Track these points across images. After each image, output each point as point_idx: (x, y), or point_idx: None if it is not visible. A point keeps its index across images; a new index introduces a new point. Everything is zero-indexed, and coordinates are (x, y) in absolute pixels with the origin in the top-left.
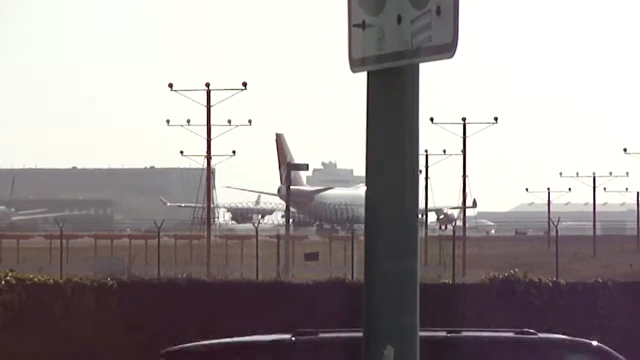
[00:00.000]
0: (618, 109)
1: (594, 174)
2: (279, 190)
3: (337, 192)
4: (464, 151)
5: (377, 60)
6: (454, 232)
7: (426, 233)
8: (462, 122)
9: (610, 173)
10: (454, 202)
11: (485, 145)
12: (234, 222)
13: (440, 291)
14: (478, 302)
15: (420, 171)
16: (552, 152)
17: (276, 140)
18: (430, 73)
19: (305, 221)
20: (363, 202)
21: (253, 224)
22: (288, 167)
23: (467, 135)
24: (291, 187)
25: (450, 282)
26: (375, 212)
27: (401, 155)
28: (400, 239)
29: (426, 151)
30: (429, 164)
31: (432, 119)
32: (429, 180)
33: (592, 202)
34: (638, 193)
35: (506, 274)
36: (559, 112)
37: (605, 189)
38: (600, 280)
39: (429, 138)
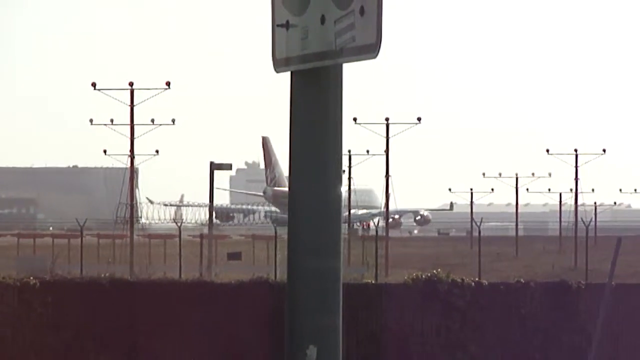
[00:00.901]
0: (541, 110)
1: (516, 174)
2: (264, 192)
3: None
4: (387, 151)
5: (300, 60)
6: (376, 232)
7: (349, 232)
8: (386, 122)
9: (533, 174)
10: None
11: (409, 146)
12: (218, 221)
13: (363, 291)
14: (401, 302)
15: (344, 171)
16: (475, 152)
17: (262, 143)
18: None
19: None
20: (346, 203)
21: (176, 223)
22: (211, 167)
23: (390, 135)
24: (277, 188)
25: (373, 282)
26: (298, 212)
27: (324, 155)
28: (323, 239)
29: (349, 151)
30: (352, 164)
31: (355, 119)
32: (352, 180)
33: (514, 202)
34: (560, 194)
35: (429, 274)
36: (482, 112)
37: (527, 189)
38: (522, 280)
39: (352, 138)
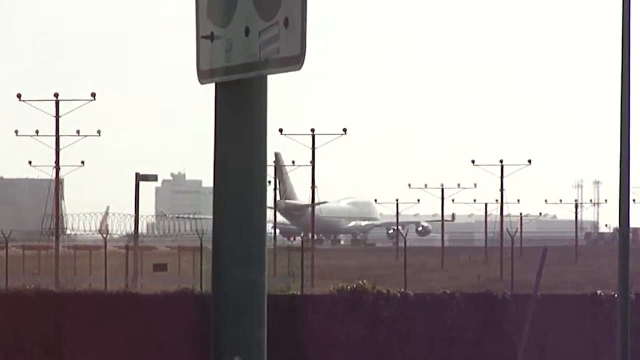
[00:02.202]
0: (466, 121)
1: (442, 185)
2: (277, 204)
3: (328, 206)
4: (312, 162)
5: (225, 72)
6: (302, 243)
7: (275, 244)
8: (311, 133)
9: (459, 185)
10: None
11: (335, 156)
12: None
13: (288, 302)
14: (326, 313)
15: (269, 182)
16: (400, 163)
17: (275, 159)
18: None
19: (294, 231)
20: (350, 214)
21: (102, 234)
22: (136, 178)
23: (316, 146)
24: (288, 201)
25: (299, 293)
26: (223, 223)
27: (249, 166)
28: (248, 250)
29: (275, 162)
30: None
31: (281, 130)
32: (277, 191)
33: (440, 213)
34: (486, 205)
35: (354, 285)
36: (407, 123)
37: (453, 200)
38: (448, 291)
39: (278, 149)
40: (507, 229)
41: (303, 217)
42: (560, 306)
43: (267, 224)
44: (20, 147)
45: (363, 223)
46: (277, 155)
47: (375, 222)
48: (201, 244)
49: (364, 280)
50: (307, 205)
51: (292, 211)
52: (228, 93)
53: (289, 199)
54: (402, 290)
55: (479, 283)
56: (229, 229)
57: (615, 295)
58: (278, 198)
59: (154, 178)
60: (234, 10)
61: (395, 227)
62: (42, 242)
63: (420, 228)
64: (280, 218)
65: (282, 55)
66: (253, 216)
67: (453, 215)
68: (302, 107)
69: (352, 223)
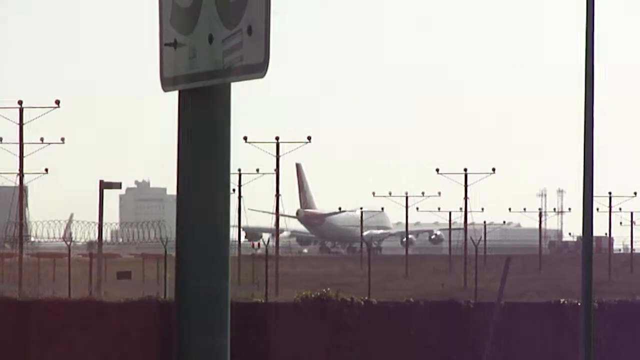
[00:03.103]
0: (430, 129)
1: (406, 193)
2: (297, 213)
3: (345, 215)
4: (277, 170)
5: (188, 79)
6: (266, 250)
7: (239, 252)
8: (276, 141)
9: (423, 193)
10: (267, 221)
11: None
12: (247, 240)
13: (252, 310)
14: (290, 321)
15: (233, 190)
16: (365, 171)
17: (296, 169)
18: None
19: (311, 239)
20: (364, 224)
21: (66, 242)
22: (101, 186)
23: (280, 154)
24: (308, 210)
25: (263, 301)
26: (186, 231)
27: (213, 174)
28: (211, 258)
29: (239, 170)
30: (242, 183)
31: (245, 138)
32: (242, 199)
33: (404, 221)
34: (450, 213)
35: (318, 293)
36: (371, 131)
37: (417, 208)
38: (412, 299)
39: (242, 157)
40: (471, 238)
41: (321, 225)
42: (523, 315)
43: (287, 232)
44: None
45: (377, 232)
46: (298, 165)
47: (390, 231)
48: (165, 252)
49: (328, 289)
50: (325, 214)
51: (311, 220)
52: (191, 100)
53: (309, 209)
54: (366, 298)
55: (443, 291)
56: (193, 236)
57: (579, 304)
58: (299, 207)
59: (118, 186)
60: (198, 17)
61: (409, 236)
62: (5, 250)
63: (433, 236)
64: (300, 227)
65: (246, 62)
66: (217, 224)
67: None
68: (267, 115)
69: (367, 232)
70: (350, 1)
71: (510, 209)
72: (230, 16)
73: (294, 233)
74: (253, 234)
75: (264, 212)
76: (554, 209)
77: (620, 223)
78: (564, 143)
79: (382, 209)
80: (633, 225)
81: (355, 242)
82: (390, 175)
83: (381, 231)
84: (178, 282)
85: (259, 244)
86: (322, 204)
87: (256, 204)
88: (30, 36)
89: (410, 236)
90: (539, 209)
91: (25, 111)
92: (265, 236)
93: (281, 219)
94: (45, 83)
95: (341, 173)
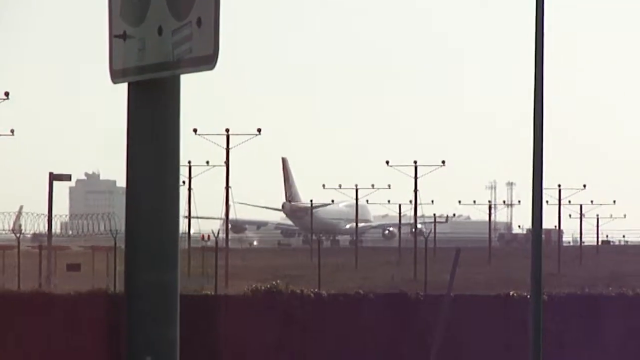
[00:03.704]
0: (380, 121)
1: (356, 186)
2: (283, 206)
3: (330, 208)
4: (227, 162)
5: (138, 71)
6: (216, 243)
7: (189, 244)
8: (226, 133)
9: (373, 185)
10: (216, 213)
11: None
12: (233, 232)
13: (202, 302)
14: (240, 313)
15: (183, 182)
16: (315, 164)
17: (282, 164)
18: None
19: (295, 232)
20: (348, 217)
21: (15, 234)
22: (50, 178)
23: (230, 146)
24: (294, 203)
25: (213, 293)
26: (136, 223)
27: (163, 167)
28: (161, 250)
29: (189, 162)
30: (192, 175)
31: (195, 130)
32: (192, 191)
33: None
34: (400, 205)
35: (268, 286)
36: (321, 123)
37: (367, 201)
38: (361, 291)
39: (192, 149)
40: (421, 230)
41: (306, 218)
42: (473, 307)
43: (272, 224)
44: None
45: (360, 224)
46: (284, 160)
47: (372, 224)
48: (115, 244)
49: (278, 281)
50: (310, 207)
51: (297, 212)
52: (141, 92)
53: (294, 202)
54: (316, 290)
55: (392, 283)
56: (142, 229)
57: (528, 297)
58: (284, 200)
59: (67, 178)
60: (147, 9)
61: (390, 229)
62: None
63: (414, 229)
64: (286, 219)
65: (195, 54)
66: (166, 216)
67: (447, 218)
68: (217, 107)
69: (348, 225)
70: None
71: (460, 202)
72: (179, 8)
73: (278, 226)
74: (238, 226)
75: (252, 205)
76: (504, 202)
77: (570, 216)
78: (513, 136)
79: (332, 201)
80: (582, 218)
81: (338, 235)
82: (340, 168)
83: (362, 224)
84: (128, 274)
85: (208, 236)
86: (271, 196)
87: (206, 196)
88: None
89: (391, 229)
90: (489, 201)
91: None
92: (251, 228)
93: (266, 211)
94: None
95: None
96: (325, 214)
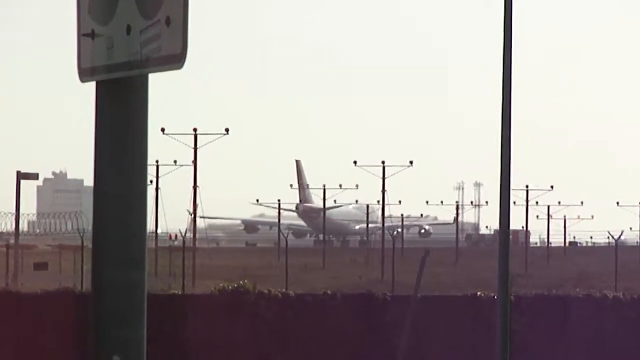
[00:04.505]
0: (348, 121)
1: (324, 185)
2: (296, 207)
3: (341, 210)
4: (195, 162)
5: (106, 70)
6: (184, 242)
7: (156, 243)
8: (194, 132)
9: (340, 185)
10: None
11: (217, 156)
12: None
13: (169, 302)
14: (207, 313)
15: (151, 181)
16: (283, 163)
17: (296, 166)
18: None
19: (306, 232)
20: (357, 218)
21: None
22: (17, 176)
23: (198, 145)
24: (307, 204)
25: (180, 292)
26: (103, 222)
27: (130, 166)
28: (128, 249)
29: (157, 162)
30: (159, 174)
31: (163, 130)
32: (159, 190)
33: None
34: (368, 205)
35: (235, 285)
36: (289, 123)
37: (335, 200)
38: (329, 291)
39: (159, 148)
40: (388, 230)
41: (318, 219)
42: (440, 307)
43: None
44: None
45: (369, 225)
46: (297, 162)
47: (378, 224)
48: (82, 243)
49: (245, 280)
50: (322, 209)
51: (310, 214)
52: (109, 91)
53: (307, 203)
54: (284, 290)
55: (360, 284)
56: (109, 228)
57: (495, 297)
58: (298, 201)
59: (35, 176)
60: (115, 8)
61: (399, 230)
62: None
63: (422, 231)
64: (299, 220)
65: (164, 53)
66: (133, 215)
67: (455, 219)
68: (185, 107)
69: (358, 226)
70: None
71: (427, 202)
72: (148, 7)
73: (290, 226)
74: (251, 226)
75: (266, 205)
76: (471, 202)
77: (537, 217)
78: (481, 136)
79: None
80: (550, 219)
81: (349, 235)
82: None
83: (372, 225)
84: (95, 273)
85: (176, 235)
86: (238, 195)
87: (173, 196)
88: None
89: (399, 230)
90: (456, 202)
91: None
92: (264, 228)
93: (272, 211)
94: None
95: (259, 165)
96: (335, 215)
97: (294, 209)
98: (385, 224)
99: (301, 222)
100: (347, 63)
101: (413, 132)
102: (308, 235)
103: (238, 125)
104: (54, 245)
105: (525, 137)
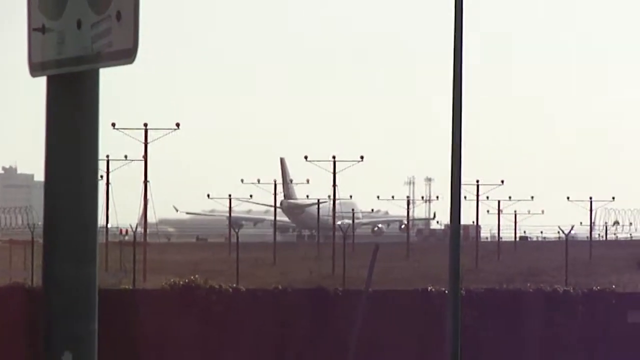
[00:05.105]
0: (299, 116)
1: (274, 181)
2: (281, 204)
3: (324, 206)
4: (145, 157)
5: (56, 64)
6: (134, 237)
7: (107, 238)
8: (144, 127)
9: (291, 180)
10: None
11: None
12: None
13: (120, 297)
14: (158, 308)
15: (102, 176)
16: (233, 158)
17: (280, 163)
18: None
19: (289, 228)
20: (337, 213)
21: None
22: None
23: (148, 140)
24: (289, 200)
25: (131, 287)
26: (54, 217)
27: (81, 161)
28: (79, 244)
29: (108, 156)
30: (110, 170)
31: (113, 124)
32: (110, 185)
33: (272, 209)
34: (318, 200)
35: (187, 280)
36: (240, 118)
37: (251, 195)
38: (280, 287)
39: (110, 143)
40: (339, 225)
41: (302, 215)
42: (391, 302)
43: (267, 221)
44: None
45: (349, 221)
46: (282, 160)
47: (362, 220)
48: (33, 238)
49: (197, 275)
50: (305, 205)
51: (293, 210)
52: (60, 86)
53: (291, 199)
54: (234, 285)
55: (311, 279)
56: (60, 223)
57: (446, 292)
58: (282, 198)
59: None
60: (66, 2)
61: (380, 225)
62: None
63: (403, 226)
64: (283, 216)
65: (115, 48)
66: (84, 210)
67: (434, 214)
68: (135, 102)
69: (340, 221)
70: None
71: (378, 197)
72: (99, 2)
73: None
74: (236, 222)
75: (254, 202)
76: (422, 197)
77: (488, 211)
78: (432, 131)
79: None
80: (500, 214)
81: (330, 230)
82: (258, 162)
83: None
84: (46, 268)
85: (127, 230)
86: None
87: (125, 191)
88: None
89: (380, 225)
90: (407, 197)
91: None
92: (248, 224)
93: (257, 207)
94: None
95: (210, 160)
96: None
97: (278, 205)
98: (367, 220)
99: (285, 218)
100: (298, 59)
101: (364, 127)
102: (291, 230)
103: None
104: (4, 240)
105: (476, 132)
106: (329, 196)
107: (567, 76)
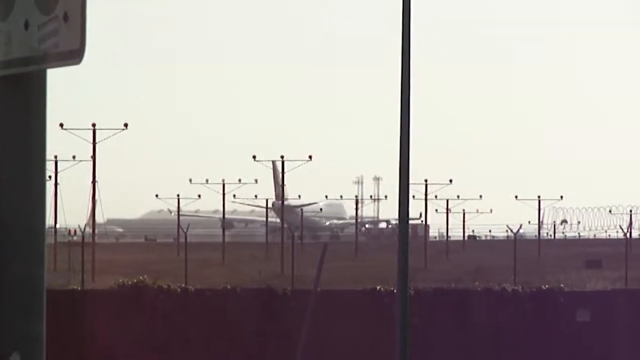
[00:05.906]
0: (247, 115)
1: (223, 180)
2: (273, 205)
3: (313, 207)
4: (93, 157)
5: (3, 66)
6: (82, 238)
7: (55, 239)
8: (92, 127)
9: (240, 180)
10: (83, 208)
11: (116, 151)
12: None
13: (68, 297)
14: (107, 308)
15: (50, 177)
16: (181, 158)
17: (272, 166)
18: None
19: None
20: (325, 215)
21: None
22: None
23: (97, 141)
24: (280, 202)
25: (79, 288)
26: (2, 218)
27: (29, 161)
28: (27, 245)
29: (56, 157)
30: (58, 170)
31: (61, 125)
32: (58, 186)
33: (221, 209)
34: (267, 200)
35: (135, 280)
36: (188, 118)
37: (234, 195)
38: (229, 286)
39: (58, 144)
40: (288, 226)
41: (293, 216)
42: (340, 302)
43: (258, 222)
44: None
45: (338, 222)
46: (273, 163)
47: (350, 221)
48: None
49: (145, 276)
50: (296, 206)
51: (285, 211)
52: (6, 87)
53: (282, 201)
54: (183, 285)
55: (260, 278)
56: (8, 224)
57: (395, 291)
58: (274, 199)
59: None
60: (13, 3)
61: (367, 225)
62: None
63: (389, 226)
64: (275, 217)
65: (62, 49)
66: (32, 211)
67: (420, 214)
68: (83, 102)
69: (328, 222)
70: None
71: (327, 196)
72: (46, 2)
73: (264, 223)
74: (228, 223)
75: (247, 204)
76: (371, 197)
77: (436, 210)
78: (380, 130)
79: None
80: (449, 213)
81: (319, 231)
82: (206, 162)
83: (342, 221)
84: None
85: (75, 231)
86: (137, 191)
87: (72, 192)
88: None
89: (368, 225)
90: (356, 196)
91: None
92: (239, 225)
93: (248, 208)
94: None
95: (158, 160)
96: (307, 212)
97: (270, 206)
98: (354, 221)
99: (277, 219)
100: (246, 58)
101: (312, 127)
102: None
103: (137, 120)
104: None
105: (424, 131)
106: (326, 196)
107: (517, 74)
